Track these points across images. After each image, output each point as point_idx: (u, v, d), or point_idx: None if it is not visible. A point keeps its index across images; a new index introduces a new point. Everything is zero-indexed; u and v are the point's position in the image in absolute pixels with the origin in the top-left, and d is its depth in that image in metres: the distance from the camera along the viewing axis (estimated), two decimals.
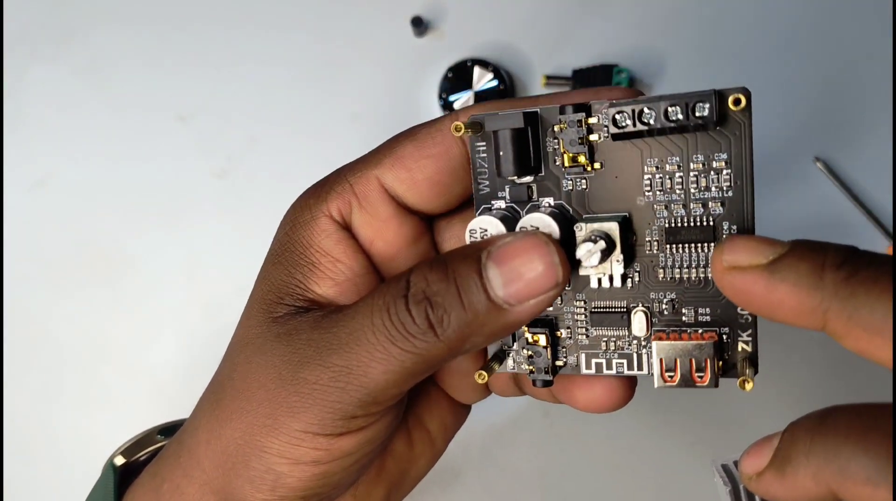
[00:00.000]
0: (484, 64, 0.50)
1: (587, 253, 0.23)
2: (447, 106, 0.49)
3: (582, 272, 0.24)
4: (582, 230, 0.23)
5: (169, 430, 0.32)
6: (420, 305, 0.22)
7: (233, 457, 0.24)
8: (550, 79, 0.50)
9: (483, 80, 0.50)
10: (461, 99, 0.49)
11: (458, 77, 0.50)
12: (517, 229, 0.24)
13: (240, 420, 0.24)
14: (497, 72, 0.50)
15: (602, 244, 0.23)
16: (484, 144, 0.24)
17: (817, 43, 0.50)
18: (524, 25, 0.52)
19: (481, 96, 0.49)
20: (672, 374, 0.23)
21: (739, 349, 0.24)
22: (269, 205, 0.52)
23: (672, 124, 0.21)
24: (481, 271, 0.22)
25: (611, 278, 0.24)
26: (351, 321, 0.23)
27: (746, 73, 0.50)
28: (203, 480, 0.25)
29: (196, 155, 0.52)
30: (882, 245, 0.47)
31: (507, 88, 0.50)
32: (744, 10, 0.51)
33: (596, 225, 0.23)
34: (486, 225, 0.24)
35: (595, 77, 0.49)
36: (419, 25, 0.51)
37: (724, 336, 0.24)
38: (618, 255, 0.23)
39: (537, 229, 0.23)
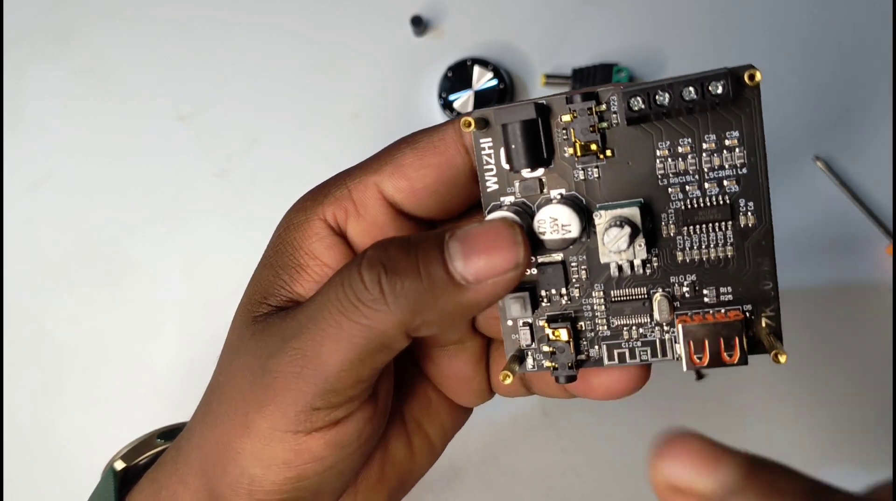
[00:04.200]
0: (484, 63, 0.50)
1: (615, 238, 0.22)
2: (447, 105, 0.49)
3: (604, 260, 0.24)
4: (602, 218, 0.23)
5: (169, 434, 0.32)
6: (373, 269, 0.21)
7: (216, 462, 0.24)
8: (550, 78, 0.50)
9: (483, 79, 0.50)
10: (461, 98, 0.49)
11: (457, 76, 0.50)
12: (535, 222, 0.24)
13: (223, 424, 0.24)
14: (497, 71, 0.50)
15: (628, 229, 0.22)
16: (489, 139, 0.24)
17: (817, 42, 0.50)
18: (524, 25, 0.52)
19: (481, 95, 0.49)
20: (701, 355, 0.23)
21: (763, 324, 0.23)
22: (269, 205, 0.52)
23: (687, 105, 0.21)
24: (443, 247, 0.22)
25: (632, 265, 0.24)
26: (311, 302, 0.23)
27: None
28: (195, 486, 0.25)
29: (196, 155, 0.52)
30: (882, 244, 0.47)
31: (506, 87, 0.50)
32: (743, 9, 0.51)
33: (616, 212, 0.23)
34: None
35: (595, 76, 0.49)
36: (419, 25, 0.51)
37: (748, 313, 0.23)
38: (640, 239, 0.23)
39: (556, 220, 0.23)
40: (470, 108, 0.49)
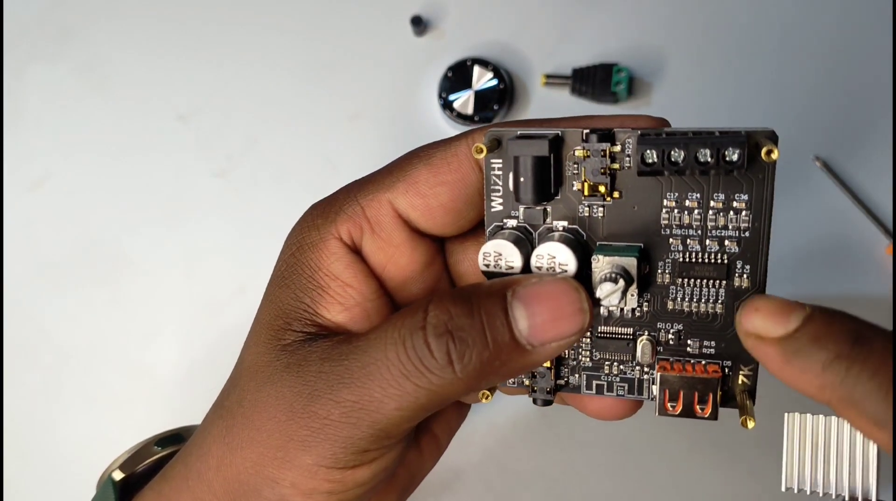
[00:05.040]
0: (484, 63, 0.50)
1: (608, 292, 0.23)
2: (447, 105, 0.49)
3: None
4: (599, 263, 0.23)
5: (166, 440, 0.31)
6: (441, 338, 0.21)
7: (244, 485, 0.24)
8: (550, 78, 0.50)
9: (483, 79, 0.50)
10: (461, 98, 0.49)
11: (457, 76, 0.50)
12: (533, 256, 0.24)
13: (251, 450, 0.24)
14: (497, 71, 0.50)
15: (622, 284, 0.23)
16: (500, 161, 0.24)
17: (817, 42, 0.50)
18: (524, 25, 0.52)
19: (481, 95, 0.49)
20: (675, 404, 0.24)
21: (740, 381, 0.24)
22: (269, 204, 0.52)
23: (701, 167, 0.22)
24: (507, 309, 0.22)
25: (621, 310, 0.24)
26: (363, 354, 0.23)
27: (746, 71, 0.50)
28: None
29: (196, 154, 0.52)
30: (882, 244, 0.47)
31: (506, 87, 0.50)
32: (744, 8, 0.51)
33: (614, 258, 0.23)
34: (500, 249, 0.24)
35: (595, 76, 0.49)
36: (419, 25, 0.51)
37: (726, 369, 0.24)
38: (633, 290, 0.23)
39: (553, 257, 0.23)
40: (470, 108, 0.49)
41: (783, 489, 0.21)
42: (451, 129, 0.51)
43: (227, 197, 0.51)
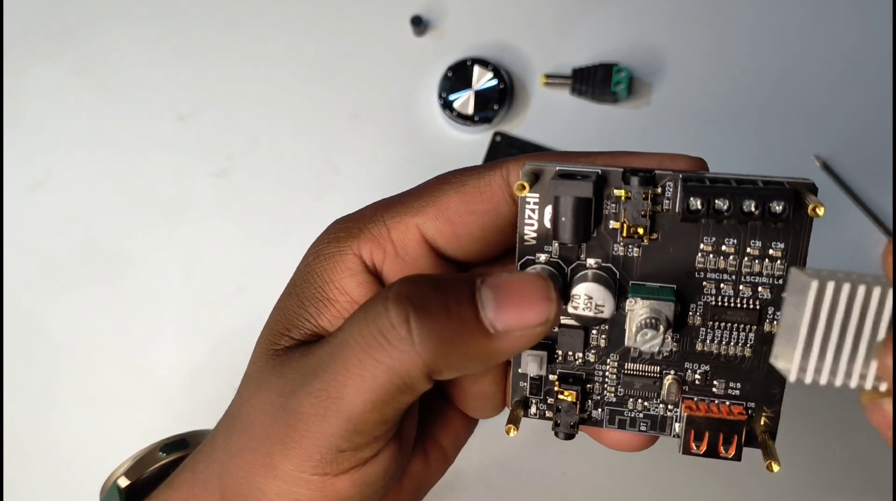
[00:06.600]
0: (484, 63, 0.50)
1: (649, 339, 0.23)
2: (447, 105, 0.49)
3: (628, 343, 0.24)
4: (636, 305, 0.23)
5: (170, 446, 0.31)
6: (402, 306, 0.21)
7: (237, 494, 0.24)
8: (550, 78, 0.50)
9: (483, 79, 0.50)
10: (461, 98, 0.49)
11: (457, 76, 0.50)
12: (570, 294, 0.24)
13: (243, 458, 0.24)
14: (497, 71, 0.50)
15: (662, 330, 0.23)
16: (536, 195, 0.24)
17: (817, 43, 0.50)
18: (524, 25, 0.52)
19: (481, 95, 0.49)
20: (699, 444, 0.24)
21: (762, 422, 0.24)
22: (269, 204, 0.52)
23: (744, 217, 0.22)
24: (475, 292, 0.21)
25: (652, 354, 0.25)
26: (333, 339, 0.22)
27: (746, 72, 0.50)
28: None
29: (196, 155, 0.52)
30: (882, 245, 0.47)
31: (507, 87, 0.50)
32: (744, 9, 0.51)
33: (651, 301, 0.23)
34: None
35: (595, 76, 0.49)
36: (419, 25, 0.51)
37: (750, 410, 0.24)
38: (669, 332, 0.23)
39: (591, 298, 0.23)
40: (470, 108, 0.49)
41: (791, 379, 0.19)
42: (451, 129, 0.51)
43: (227, 197, 0.51)
